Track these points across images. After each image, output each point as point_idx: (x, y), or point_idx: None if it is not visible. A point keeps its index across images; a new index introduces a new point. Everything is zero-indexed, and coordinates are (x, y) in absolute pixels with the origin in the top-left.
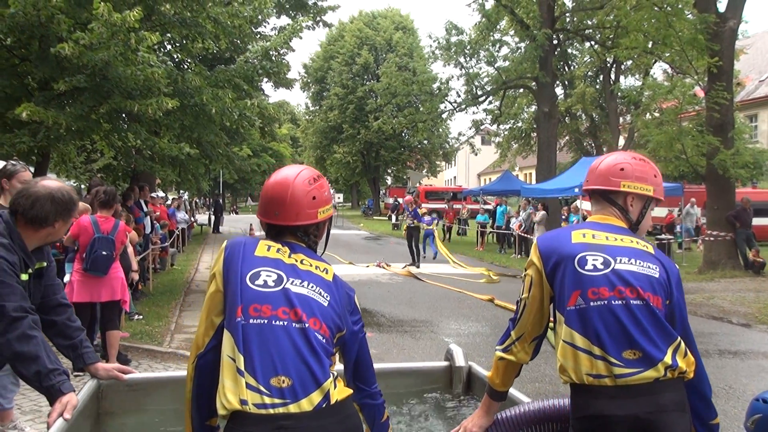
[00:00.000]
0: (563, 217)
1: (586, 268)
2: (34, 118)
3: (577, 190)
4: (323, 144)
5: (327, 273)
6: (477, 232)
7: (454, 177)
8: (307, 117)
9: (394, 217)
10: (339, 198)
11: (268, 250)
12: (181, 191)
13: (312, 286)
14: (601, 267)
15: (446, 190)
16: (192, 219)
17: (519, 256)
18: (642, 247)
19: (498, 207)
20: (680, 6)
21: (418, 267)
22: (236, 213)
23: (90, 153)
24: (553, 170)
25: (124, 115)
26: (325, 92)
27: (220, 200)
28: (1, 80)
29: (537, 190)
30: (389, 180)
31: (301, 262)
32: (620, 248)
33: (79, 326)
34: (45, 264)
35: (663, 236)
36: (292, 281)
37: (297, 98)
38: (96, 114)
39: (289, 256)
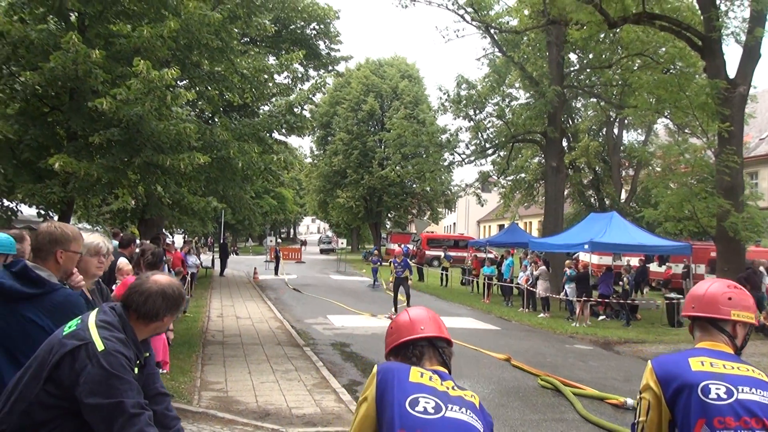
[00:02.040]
0: (566, 273)
1: (710, 396)
2: (66, 169)
3: (587, 246)
4: (327, 188)
5: (475, 399)
6: (483, 284)
7: (454, 223)
8: (311, 161)
9: None
10: (342, 243)
11: (422, 377)
12: (187, 235)
13: (469, 412)
14: (725, 396)
15: (449, 237)
16: (200, 262)
17: (526, 310)
18: (758, 376)
19: (505, 259)
20: (690, 70)
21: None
22: (236, 254)
23: (106, 197)
24: (561, 224)
25: (157, 169)
26: (330, 137)
27: (227, 243)
28: (34, 129)
29: (545, 244)
30: (389, 224)
31: (452, 388)
32: (740, 377)
33: (175, 416)
34: (147, 354)
35: (672, 295)
36: (451, 407)
37: (300, 141)
38: (130, 167)
39: (441, 384)
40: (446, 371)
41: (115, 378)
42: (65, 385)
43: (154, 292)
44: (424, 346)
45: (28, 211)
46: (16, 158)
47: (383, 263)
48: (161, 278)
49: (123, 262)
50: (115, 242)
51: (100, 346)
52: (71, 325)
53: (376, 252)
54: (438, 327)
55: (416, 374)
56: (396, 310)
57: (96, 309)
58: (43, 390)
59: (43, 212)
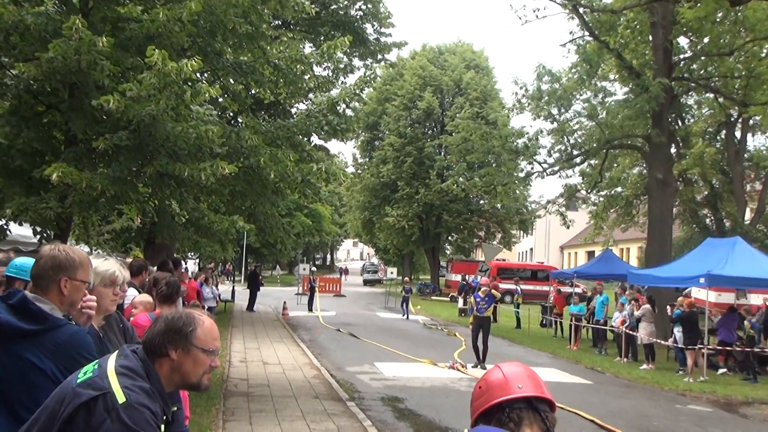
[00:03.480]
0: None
1: None
2: (65, 180)
3: (702, 280)
4: (372, 204)
5: None
6: (570, 326)
7: (531, 249)
8: (353, 170)
9: (461, 301)
10: (392, 273)
11: None
12: (201, 261)
13: None
14: None
15: (525, 267)
16: (218, 294)
17: (624, 360)
18: None
19: (596, 295)
20: None
21: (481, 366)
22: (261, 285)
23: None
24: (668, 251)
25: (172, 181)
26: (377, 141)
27: (257, 271)
28: (28, 132)
29: (649, 276)
30: (449, 250)
31: None
32: None
33: None
34: (175, 408)
35: None
36: None
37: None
38: (140, 178)
39: None
40: None
41: None
42: None
43: (158, 325)
44: (522, 408)
45: (17, 230)
46: (6, 166)
47: (409, 292)
48: (202, 317)
49: (141, 295)
50: None
51: (121, 398)
52: (87, 371)
53: (406, 280)
54: (539, 386)
55: None
56: (480, 358)
57: (116, 352)
58: None
59: (38, 231)
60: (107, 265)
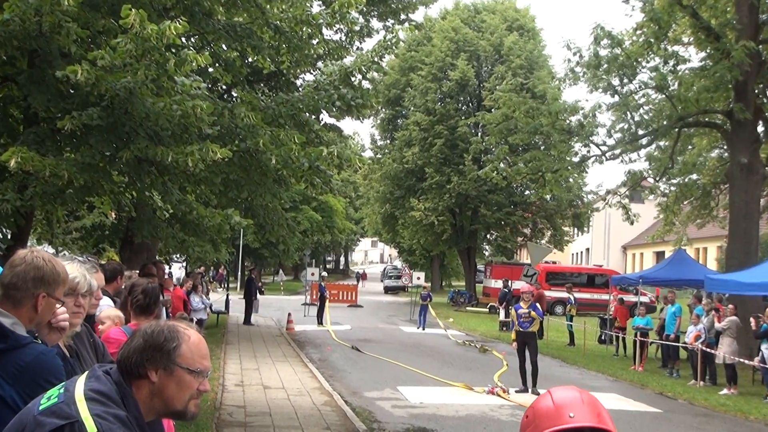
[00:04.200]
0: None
1: None
2: (25, 167)
3: None
4: (395, 195)
5: None
6: (635, 342)
7: (587, 249)
8: (371, 154)
9: (502, 312)
10: (418, 279)
11: None
12: (189, 264)
13: None
14: None
15: (580, 270)
16: (209, 304)
17: (700, 383)
18: None
19: (667, 305)
20: None
21: (533, 392)
22: (261, 293)
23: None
24: (755, 252)
25: (153, 167)
26: (400, 119)
27: (254, 277)
28: None
29: (731, 282)
30: (487, 251)
31: None
32: None
33: None
34: None
35: None
36: None
37: (356, 125)
38: (115, 164)
39: None
40: None
41: None
42: None
43: (135, 339)
44: None
45: None
46: None
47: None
48: (146, 324)
49: (107, 309)
50: None
51: (91, 428)
52: (51, 396)
53: (425, 285)
54: (596, 414)
55: None
56: (526, 383)
57: (86, 373)
58: None
59: None
60: (68, 270)
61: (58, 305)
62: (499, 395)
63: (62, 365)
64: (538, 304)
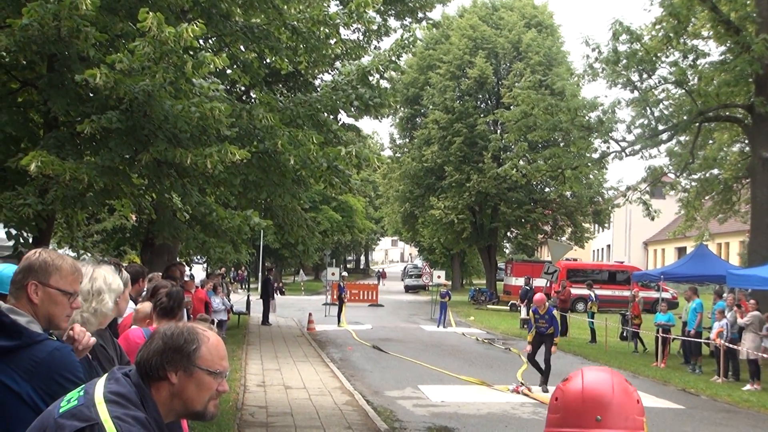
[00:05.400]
0: None
1: None
2: (45, 171)
3: None
4: (414, 194)
5: None
6: (656, 338)
7: (608, 246)
8: (390, 153)
9: (524, 310)
10: (439, 278)
11: None
12: (210, 265)
13: None
14: None
15: (601, 267)
16: (230, 305)
17: (723, 379)
18: None
19: (689, 301)
20: None
21: (543, 390)
22: (282, 293)
23: (97, 211)
24: None
25: (172, 170)
26: (419, 118)
27: (271, 277)
28: (0, 115)
29: (753, 277)
30: (508, 249)
31: None
32: None
33: None
34: None
35: None
36: None
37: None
38: (134, 167)
39: None
40: None
41: None
42: None
43: (155, 341)
44: None
45: None
46: None
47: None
48: (166, 327)
49: (143, 303)
50: None
51: (111, 430)
52: (71, 399)
53: (444, 283)
54: (623, 418)
55: None
56: (543, 374)
57: (105, 376)
58: None
59: (13, 233)
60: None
61: (67, 298)
62: (524, 394)
63: (77, 362)
64: (555, 312)
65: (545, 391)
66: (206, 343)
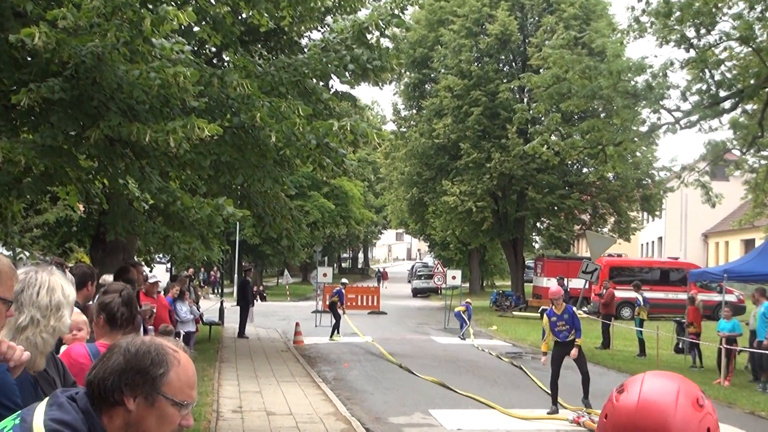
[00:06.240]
0: None
1: None
2: None
3: None
4: (424, 177)
5: None
6: (719, 351)
7: (659, 239)
8: (394, 128)
9: None
10: (454, 279)
11: None
12: (175, 265)
13: None
14: None
15: (651, 264)
16: (199, 314)
17: None
18: None
19: (757, 306)
20: None
21: (585, 403)
22: (262, 298)
23: (36, 201)
24: None
25: (128, 149)
26: (428, 84)
27: (249, 279)
28: None
29: None
30: (538, 243)
31: None
32: None
33: None
34: None
35: None
36: None
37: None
38: (81, 146)
39: None
40: None
41: None
42: None
43: (114, 360)
44: None
45: None
46: None
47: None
48: (130, 340)
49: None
50: None
51: None
52: (5, 428)
53: (468, 302)
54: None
55: None
56: (556, 402)
57: (46, 400)
58: None
59: None
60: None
61: (6, 307)
62: (586, 426)
63: (13, 383)
64: (575, 309)
65: (587, 405)
66: (176, 367)
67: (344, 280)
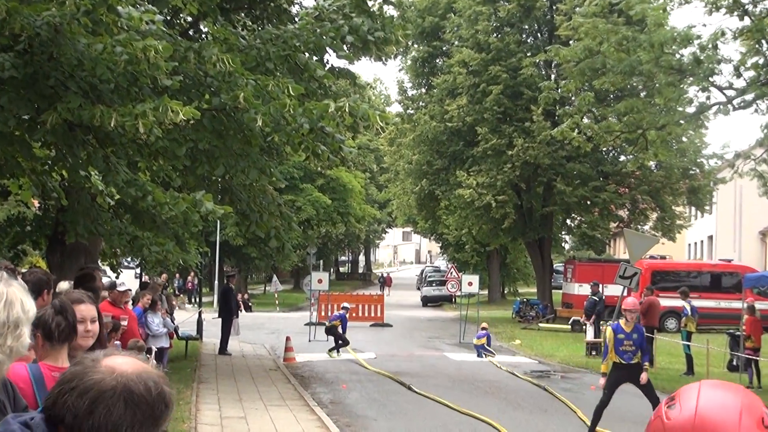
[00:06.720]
0: None
1: None
2: None
3: None
4: (435, 167)
5: None
6: None
7: (709, 237)
8: (401, 110)
9: (590, 330)
10: (470, 285)
11: None
12: (146, 270)
13: None
14: None
15: (700, 268)
16: (174, 327)
17: None
18: None
19: None
20: None
21: None
22: (248, 308)
23: None
24: None
25: (90, 136)
26: (439, 59)
27: (232, 287)
28: None
29: None
30: (568, 243)
31: None
32: None
33: None
34: None
35: None
36: None
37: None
38: (36, 132)
39: None
40: None
41: None
42: None
43: (109, 393)
44: None
45: None
46: None
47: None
48: (122, 363)
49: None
50: None
51: None
52: None
53: (484, 326)
54: None
55: None
56: (594, 428)
57: None
58: None
59: None
60: None
61: None
62: None
63: None
64: (644, 330)
65: None
66: (170, 403)
67: (346, 304)
